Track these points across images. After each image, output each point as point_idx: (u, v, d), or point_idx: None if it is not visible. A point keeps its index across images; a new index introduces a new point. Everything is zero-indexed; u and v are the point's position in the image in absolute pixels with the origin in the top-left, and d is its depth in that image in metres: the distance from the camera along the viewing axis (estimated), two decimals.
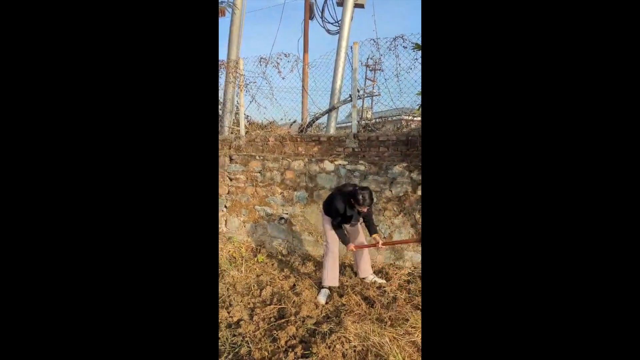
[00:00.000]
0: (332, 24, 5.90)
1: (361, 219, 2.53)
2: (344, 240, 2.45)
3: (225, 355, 1.81)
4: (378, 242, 2.41)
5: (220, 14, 4.24)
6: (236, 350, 1.86)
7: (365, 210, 2.31)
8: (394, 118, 5.28)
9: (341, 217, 2.40)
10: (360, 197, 2.23)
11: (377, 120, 5.06)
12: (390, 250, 2.98)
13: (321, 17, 5.86)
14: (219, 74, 4.32)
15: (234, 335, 1.98)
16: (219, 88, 4.48)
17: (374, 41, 3.23)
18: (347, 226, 2.59)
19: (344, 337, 1.83)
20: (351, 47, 3.32)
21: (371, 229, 2.50)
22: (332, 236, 2.53)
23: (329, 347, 1.77)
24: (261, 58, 3.86)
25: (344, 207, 2.34)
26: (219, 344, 1.91)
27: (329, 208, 2.47)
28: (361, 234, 2.65)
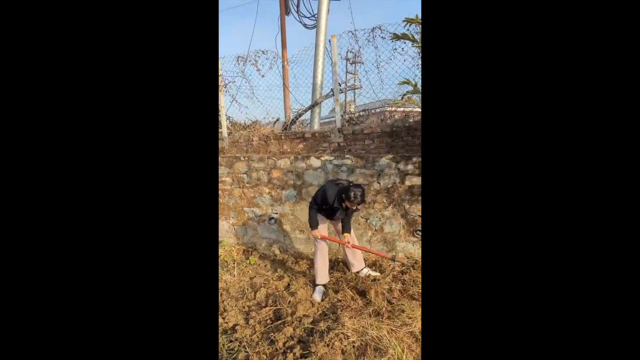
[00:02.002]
0: (308, 17, 5.82)
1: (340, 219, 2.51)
2: (313, 223, 2.43)
3: None
4: (348, 242, 2.43)
5: None
6: (234, 356, 1.82)
7: (353, 207, 2.29)
8: (377, 110, 5.28)
9: (326, 208, 2.36)
10: (352, 193, 2.20)
11: (361, 113, 5.04)
12: (383, 242, 2.98)
13: (297, 12, 5.77)
14: None
15: (231, 341, 1.95)
16: None
17: (352, 33, 3.20)
18: (330, 220, 2.57)
19: (342, 333, 1.82)
20: (329, 41, 3.28)
21: (345, 227, 2.49)
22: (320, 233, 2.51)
23: (328, 345, 1.75)
24: (239, 57, 3.78)
25: (333, 199, 2.30)
26: None
27: (316, 198, 2.45)
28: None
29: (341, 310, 2.12)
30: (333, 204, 2.31)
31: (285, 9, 5.70)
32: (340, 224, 2.57)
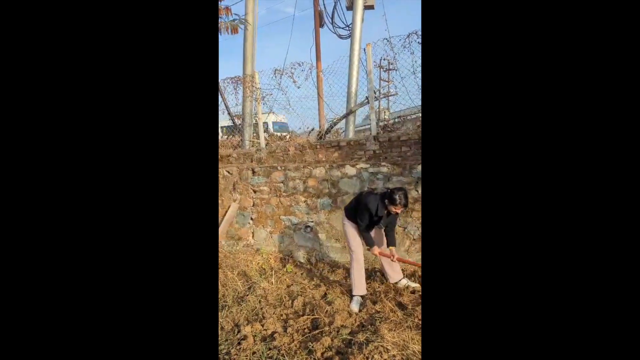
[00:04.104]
0: (343, 28, 5.91)
1: (383, 228, 2.47)
2: (369, 242, 2.40)
3: None
4: (393, 256, 2.40)
5: (233, 32, 4.36)
6: None
7: (399, 211, 2.25)
8: (413, 117, 5.17)
9: (369, 220, 2.33)
10: (397, 196, 2.18)
11: (396, 120, 4.96)
12: (420, 252, 2.87)
13: (331, 23, 5.88)
14: (237, 89, 4.42)
15: (270, 349, 1.96)
16: (237, 103, 4.59)
17: (387, 40, 3.18)
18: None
19: (382, 346, 1.77)
20: (364, 49, 3.29)
21: (390, 239, 2.45)
22: (356, 242, 2.47)
23: (367, 358, 1.71)
24: (276, 70, 3.91)
25: (376, 208, 2.26)
26: (255, 358, 1.90)
27: (354, 212, 2.42)
28: (384, 238, 2.58)
29: (380, 322, 2.06)
30: (377, 213, 2.27)
31: (319, 22, 5.84)
32: (380, 231, 2.53)
